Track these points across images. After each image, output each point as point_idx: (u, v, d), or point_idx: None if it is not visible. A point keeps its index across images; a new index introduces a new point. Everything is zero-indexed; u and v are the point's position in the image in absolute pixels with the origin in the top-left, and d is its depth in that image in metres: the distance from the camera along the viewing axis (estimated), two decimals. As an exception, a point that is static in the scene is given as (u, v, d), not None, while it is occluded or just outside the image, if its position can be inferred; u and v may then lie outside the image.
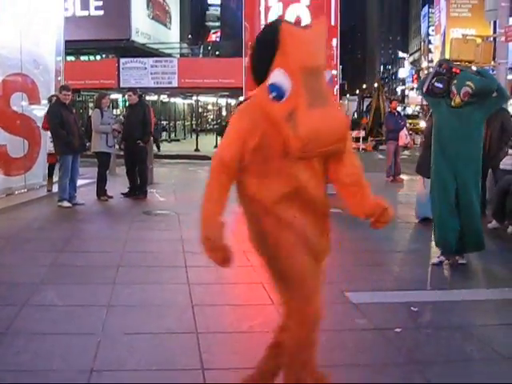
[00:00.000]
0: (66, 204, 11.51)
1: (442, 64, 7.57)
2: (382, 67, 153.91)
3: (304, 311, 3.37)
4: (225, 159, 3.28)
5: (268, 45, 3.17)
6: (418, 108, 62.39)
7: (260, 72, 3.26)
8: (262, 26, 3.64)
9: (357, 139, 30.74)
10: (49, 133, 12.27)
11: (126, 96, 13.55)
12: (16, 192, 12.60)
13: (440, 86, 7.35)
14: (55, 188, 12.65)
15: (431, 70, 7.79)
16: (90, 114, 14.14)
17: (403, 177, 17.08)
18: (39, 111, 13.87)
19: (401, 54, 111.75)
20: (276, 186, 3.30)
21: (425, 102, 62.25)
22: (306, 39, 3.18)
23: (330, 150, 3.25)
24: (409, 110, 57.73)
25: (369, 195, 3.45)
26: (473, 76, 7.23)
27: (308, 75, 3.12)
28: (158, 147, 30.08)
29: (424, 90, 7.49)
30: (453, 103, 7.22)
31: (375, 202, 3.44)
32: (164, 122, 42.10)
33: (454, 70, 7.36)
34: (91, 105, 29.95)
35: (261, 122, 3.21)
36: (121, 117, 15.75)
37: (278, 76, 3.13)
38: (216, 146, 29.73)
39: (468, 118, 7.19)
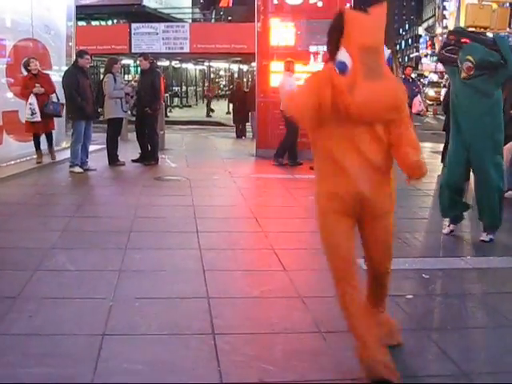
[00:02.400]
0: (77, 169, 11.50)
1: (450, 35, 7.51)
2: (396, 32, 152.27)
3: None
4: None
5: (336, 30, 3.70)
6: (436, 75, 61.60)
7: (332, 51, 3.76)
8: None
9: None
10: (30, 98, 11.74)
11: (138, 61, 13.45)
12: (28, 158, 12.59)
13: (453, 55, 7.30)
14: (60, 156, 12.64)
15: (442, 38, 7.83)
16: (101, 79, 14.03)
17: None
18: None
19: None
20: (342, 148, 3.79)
21: (441, 69, 61.66)
22: (364, 23, 3.66)
23: (384, 118, 3.74)
24: (434, 77, 56.36)
25: (406, 152, 3.80)
26: (476, 48, 7.09)
27: (365, 53, 3.60)
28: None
29: (438, 58, 7.47)
30: (462, 77, 7.17)
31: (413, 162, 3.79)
32: (176, 88, 41.97)
33: (462, 40, 7.27)
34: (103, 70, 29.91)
35: (328, 88, 3.66)
36: (132, 82, 15.65)
37: (342, 55, 3.65)
38: (228, 113, 29.71)
39: (480, 90, 7.06)
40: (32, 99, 11.71)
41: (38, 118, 11.78)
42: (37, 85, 11.79)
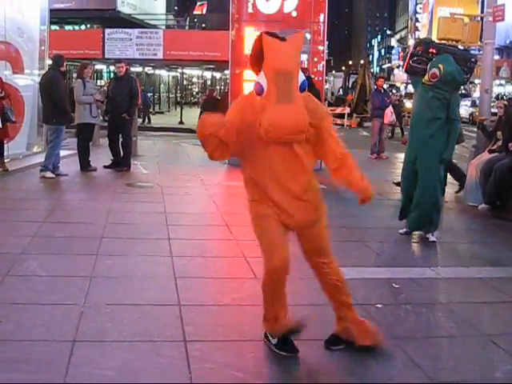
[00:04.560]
0: (49, 174, 11.40)
1: (417, 46, 7.70)
2: (368, 44, 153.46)
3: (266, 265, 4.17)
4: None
5: (258, 53, 3.95)
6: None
7: (256, 73, 4.06)
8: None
9: (342, 116, 30.68)
10: None
11: (116, 68, 13.33)
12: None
13: (420, 66, 7.49)
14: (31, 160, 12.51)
15: (410, 48, 7.94)
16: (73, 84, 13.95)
17: (387, 154, 17.12)
18: (23, 80, 13.74)
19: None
20: (260, 169, 4.13)
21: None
22: (280, 49, 3.92)
23: (290, 139, 3.98)
24: (411, 89, 56.12)
25: (355, 177, 4.21)
26: (450, 61, 7.30)
27: (279, 77, 3.86)
28: (145, 119, 30.06)
29: (403, 67, 7.72)
30: (423, 80, 7.45)
31: (361, 185, 4.20)
32: (149, 94, 41.87)
33: (430, 50, 7.45)
34: (75, 75, 29.69)
35: (249, 109, 4.02)
36: (104, 88, 15.57)
37: (260, 77, 3.95)
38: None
39: (430, 102, 7.38)
40: None
41: None
42: None
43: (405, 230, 8.03)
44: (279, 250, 4.09)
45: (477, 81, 32.95)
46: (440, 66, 7.23)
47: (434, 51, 7.47)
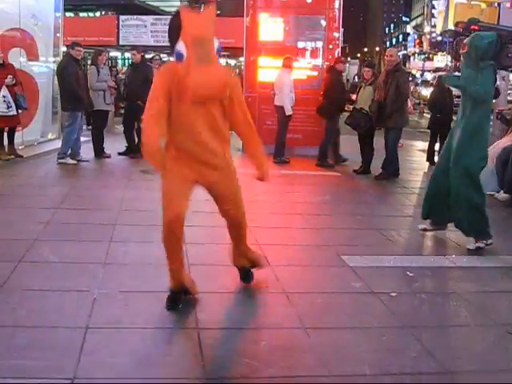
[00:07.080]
0: (70, 161, 11.40)
1: (458, 23, 7.04)
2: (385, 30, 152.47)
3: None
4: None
5: (175, 27, 4.48)
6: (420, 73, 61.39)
7: (173, 45, 4.53)
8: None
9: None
10: (2, 90, 11.25)
11: (130, 55, 13.33)
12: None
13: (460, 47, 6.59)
14: (46, 147, 12.52)
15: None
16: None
17: (402, 141, 17.00)
18: (37, 67, 13.75)
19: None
20: (181, 129, 4.68)
21: (429, 67, 61.66)
22: (195, 19, 4.44)
23: (215, 95, 4.57)
24: (428, 76, 54.36)
25: (255, 153, 5.38)
26: (480, 35, 6.53)
27: (197, 43, 4.34)
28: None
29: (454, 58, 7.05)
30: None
31: (258, 162, 5.42)
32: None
33: (472, 27, 6.89)
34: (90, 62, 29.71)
35: (173, 77, 4.53)
36: (120, 75, 15.55)
37: (180, 46, 4.41)
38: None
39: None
40: (5, 91, 11.32)
41: (14, 111, 11.50)
42: (9, 76, 11.45)
43: (424, 226, 7.49)
44: (175, 203, 4.75)
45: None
46: (471, 38, 6.47)
47: (476, 28, 6.91)
